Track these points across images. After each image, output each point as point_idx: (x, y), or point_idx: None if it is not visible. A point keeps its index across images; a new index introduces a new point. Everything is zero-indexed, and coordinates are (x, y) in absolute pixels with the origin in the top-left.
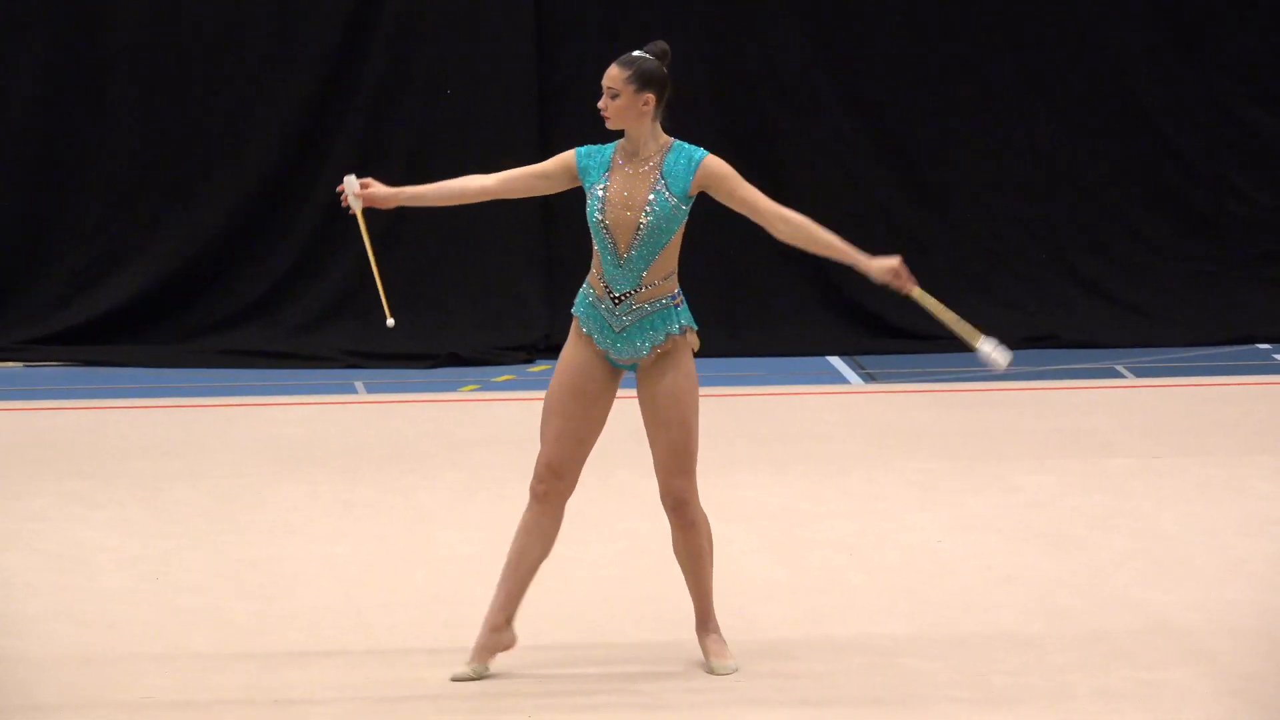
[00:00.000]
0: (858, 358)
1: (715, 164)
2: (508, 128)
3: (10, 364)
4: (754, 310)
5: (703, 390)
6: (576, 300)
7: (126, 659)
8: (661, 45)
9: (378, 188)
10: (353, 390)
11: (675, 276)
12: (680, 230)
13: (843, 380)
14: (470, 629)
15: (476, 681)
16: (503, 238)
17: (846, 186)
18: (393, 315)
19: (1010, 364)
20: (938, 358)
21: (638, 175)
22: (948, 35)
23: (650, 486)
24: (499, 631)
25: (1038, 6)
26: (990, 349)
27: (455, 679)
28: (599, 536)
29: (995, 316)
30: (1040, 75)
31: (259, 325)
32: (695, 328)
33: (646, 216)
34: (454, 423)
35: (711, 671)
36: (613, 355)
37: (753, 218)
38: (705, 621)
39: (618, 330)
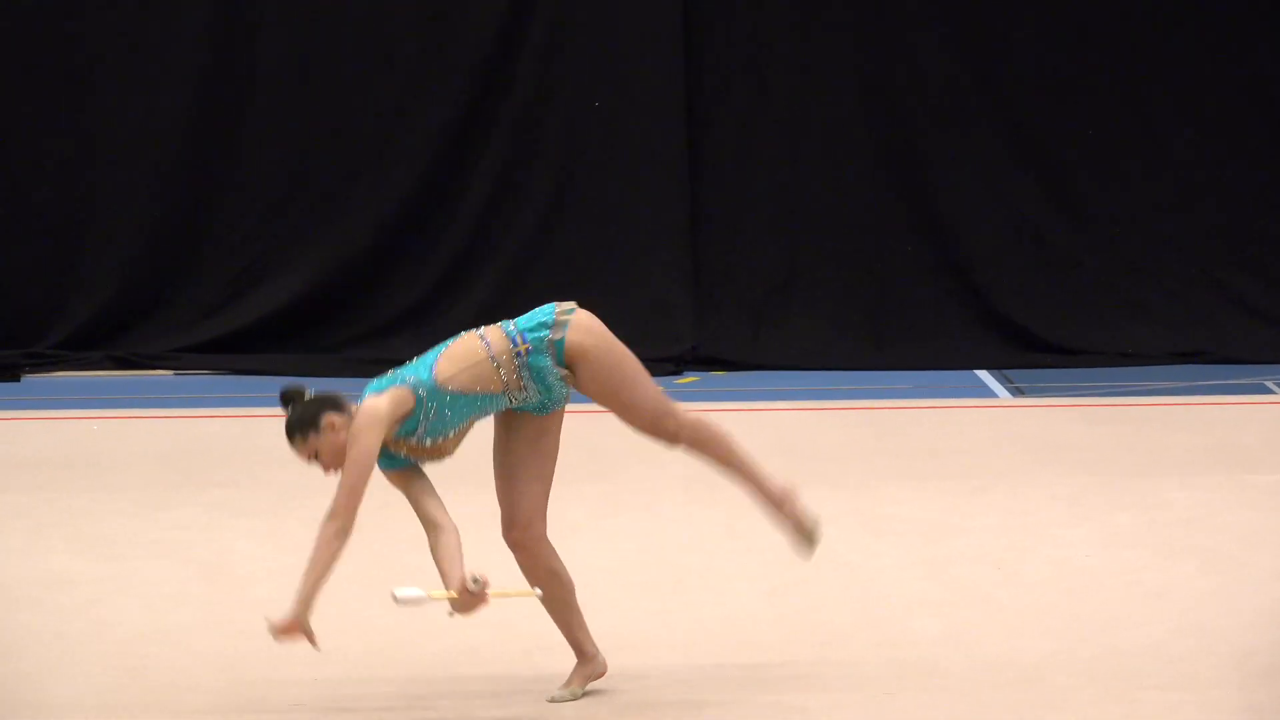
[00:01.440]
0: (1006, 372)
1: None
2: (655, 138)
3: (161, 372)
4: (901, 324)
5: (848, 403)
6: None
7: (273, 668)
8: (290, 390)
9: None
10: None
11: (499, 360)
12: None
13: (991, 394)
14: (617, 640)
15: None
16: (651, 252)
17: (993, 202)
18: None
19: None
20: (1086, 372)
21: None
22: (1095, 49)
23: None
24: (592, 660)
25: (1187, 20)
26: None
27: (553, 700)
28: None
29: (1144, 332)
30: (1189, 90)
31: (406, 335)
32: (550, 321)
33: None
34: (600, 436)
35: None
36: (547, 405)
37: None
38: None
39: (527, 386)
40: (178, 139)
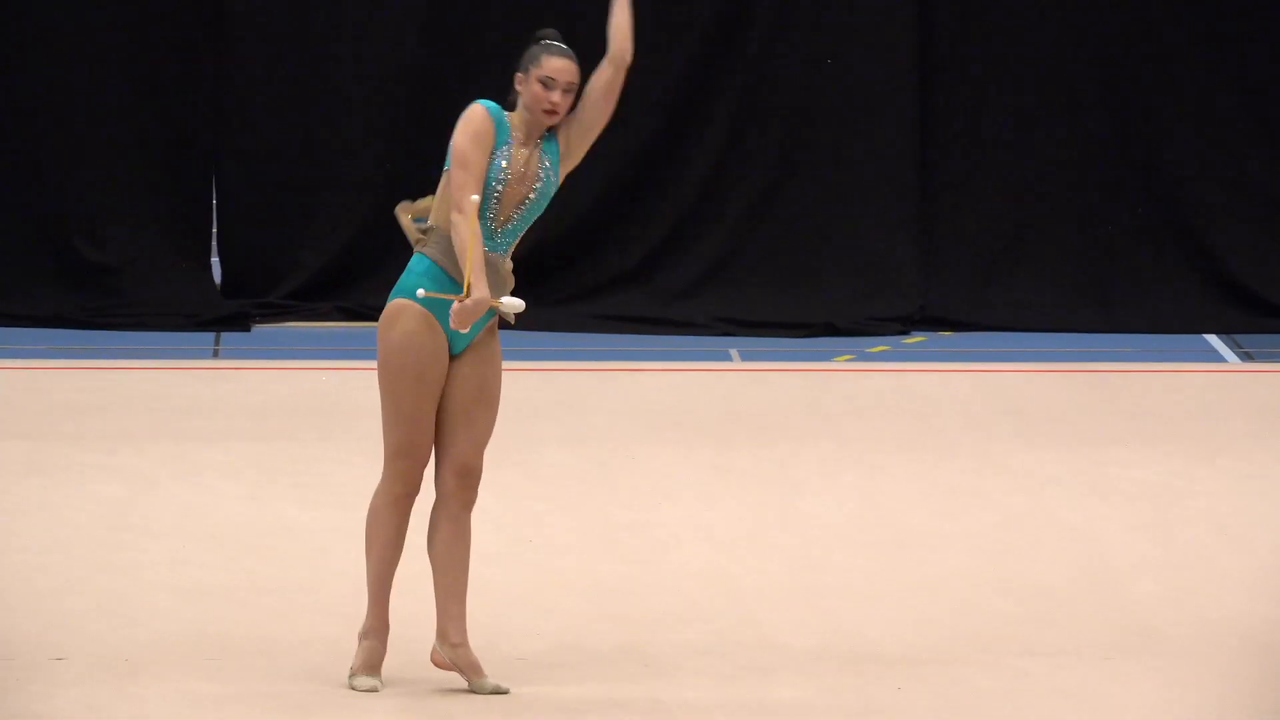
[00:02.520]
0: (1235, 336)
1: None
2: (887, 94)
3: None
4: (1128, 286)
5: (1075, 364)
6: (408, 284)
7: (500, 618)
8: (547, 32)
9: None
10: (728, 358)
11: None
12: None
13: (1219, 358)
14: (837, 599)
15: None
16: (879, 211)
17: (1223, 163)
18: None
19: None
20: None
21: (533, 152)
22: None
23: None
24: (456, 647)
25: None
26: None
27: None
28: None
29: None
30: None
31: (635, 291)
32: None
33: (533, 192)
34: (827, 392)
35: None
36: (454, 338)
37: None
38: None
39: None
40: (406, 98)
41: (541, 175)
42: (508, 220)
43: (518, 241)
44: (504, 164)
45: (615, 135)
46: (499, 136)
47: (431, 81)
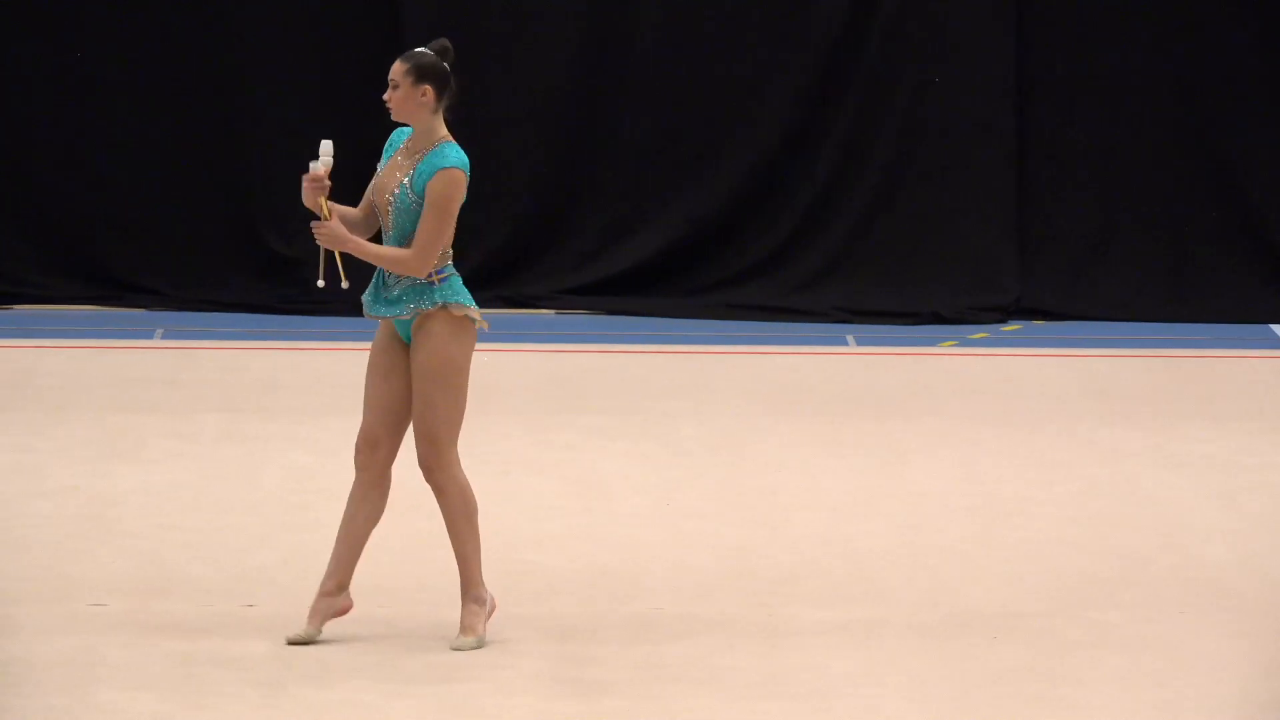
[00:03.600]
0: None
1: (440, 177)
2: (987, 107)
3: (543, 311)
4: (1202, 281)
5: (1154, 350)
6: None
7: (636, 574)
8: (442, 42)
9: (339, 227)
10: (844, 343)
11: (440, 257)
12: None
13: None
14: (939, 558)
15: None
16: (980, 212)
17: None
18: (343, 279)
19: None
20: None
21: (402, 165)
22: None
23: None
24: (331, 596)
25: None
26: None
27: (290, 641)
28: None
29: None
30: None
31: (762, 282)
32: (465, 304)
33: (390, 204)
34: (933, 375)
35: (453, 646)
36: (374, 313)
37: (416, 240)
38: (464, 589)
39: (388, 298)
40: (562, 101)
41: (394, 192)
42: (387, 230)
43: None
44: (377, 174)
45: (744, 144)
46: (384, 155)
47: (584, 82)
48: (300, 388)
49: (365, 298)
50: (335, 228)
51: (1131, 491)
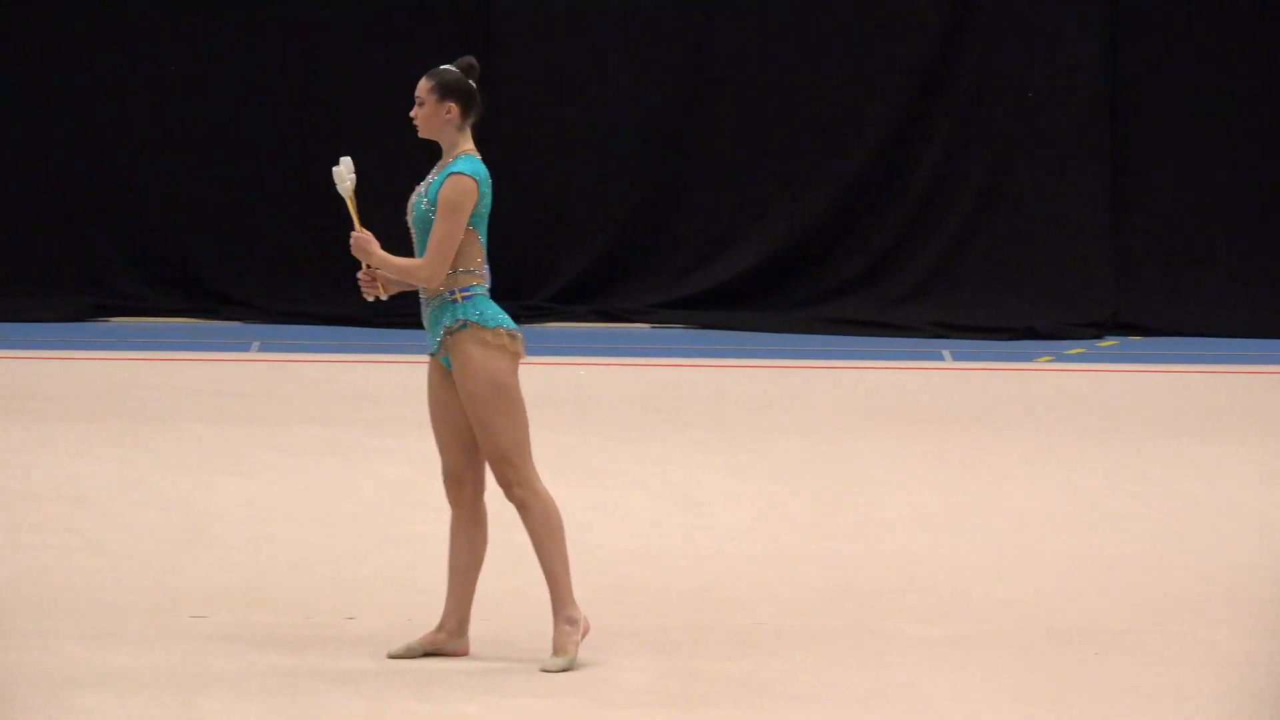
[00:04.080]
0: None
1: (449, 182)
2: (1083, 123)
3: (639, 325)
4: None
5: (1255, 368)
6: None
7: (737, 588)
8: (468, 60)
9: (383, 275)
10: (940, 358)
11: (462, 274)
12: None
13: None
14: (1039, 573)
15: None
16: (1077, 227)
17: None
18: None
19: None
20: None
21: (427, 182)
22: None
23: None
24: (451, 635)
25: None
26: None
27: (391, 656)
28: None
29: None
30: None
31: (858, 298)
32: (491, 325)
33: (410, 216)
34: (1029, 389)
35: (542, 668)
36: (433, 351)
37: (429, 250)
38: (555, 609)
39: (426, 325)
40: (658, 117)
41: (412, 204)
42: (416, 247)
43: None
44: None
45: (840, 159)
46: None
47: (679, 99)
48: (397, 400)
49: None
50: (362, 240)
51: (1233, 508)
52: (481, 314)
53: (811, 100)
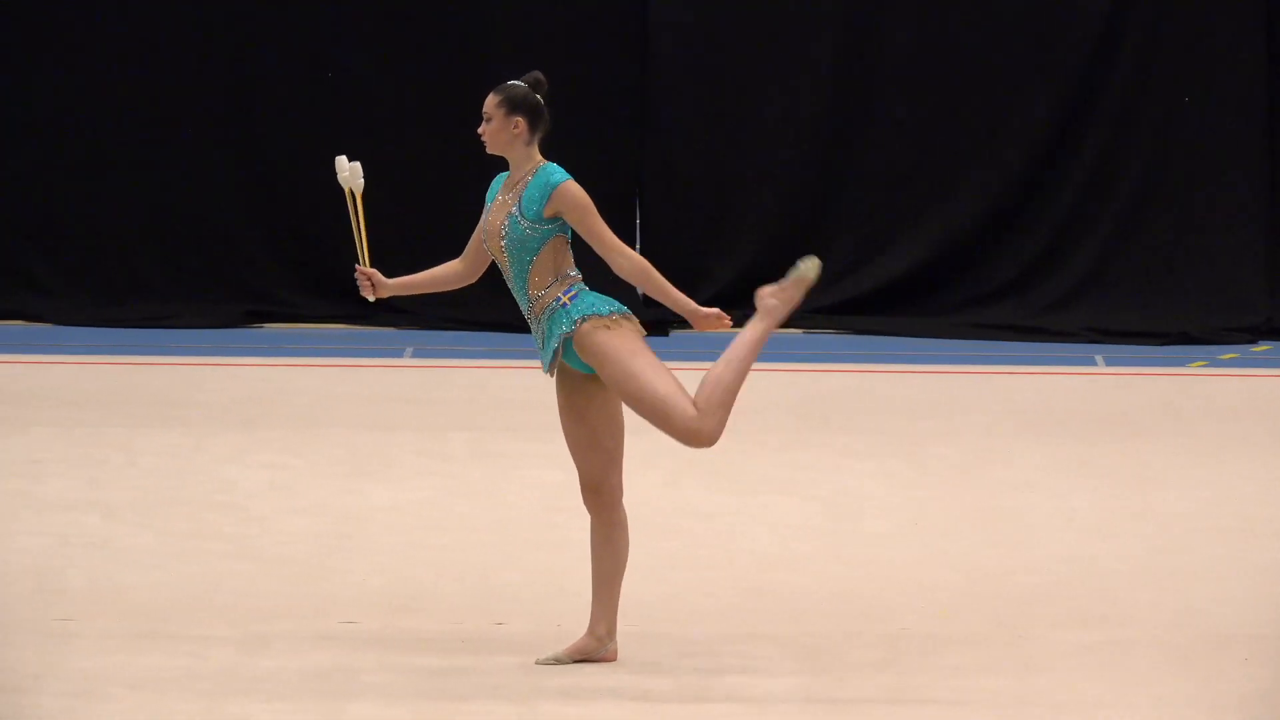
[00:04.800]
0: None
1: (568, 191)
2: (1238, 130)
3: (792, 330)
4: None
5: None
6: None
7: (884, 594)
8: (535, 75)
9: (379, 278)
10: (1092, 363)
11: (563, 280)
12: (552, 244)
13: None
14: (1188, 580)
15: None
16: (1230, 232)
17: None
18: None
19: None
20: None
21: (506, 201)
22: None
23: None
24: (599, 642)
25: None
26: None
27: (540, 663)
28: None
29: None
30: None
31: (1010, 303)
32: (605, 313)
33: (503, 240)
34: (1182, 394)
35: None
36: (548, 365)
37: (596, 249)
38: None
39: (539, 338)
40: (810, 126)
41: (504, 225)
42: (508, 271)
43: (532, 288)
44: (482, 223)
45: (993, 164)
46: (490, 195)
47: (832, 104)
48: (547, 405)
49: (540, 353)
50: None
51: None
52: (593, 305)
53: (964, 106)
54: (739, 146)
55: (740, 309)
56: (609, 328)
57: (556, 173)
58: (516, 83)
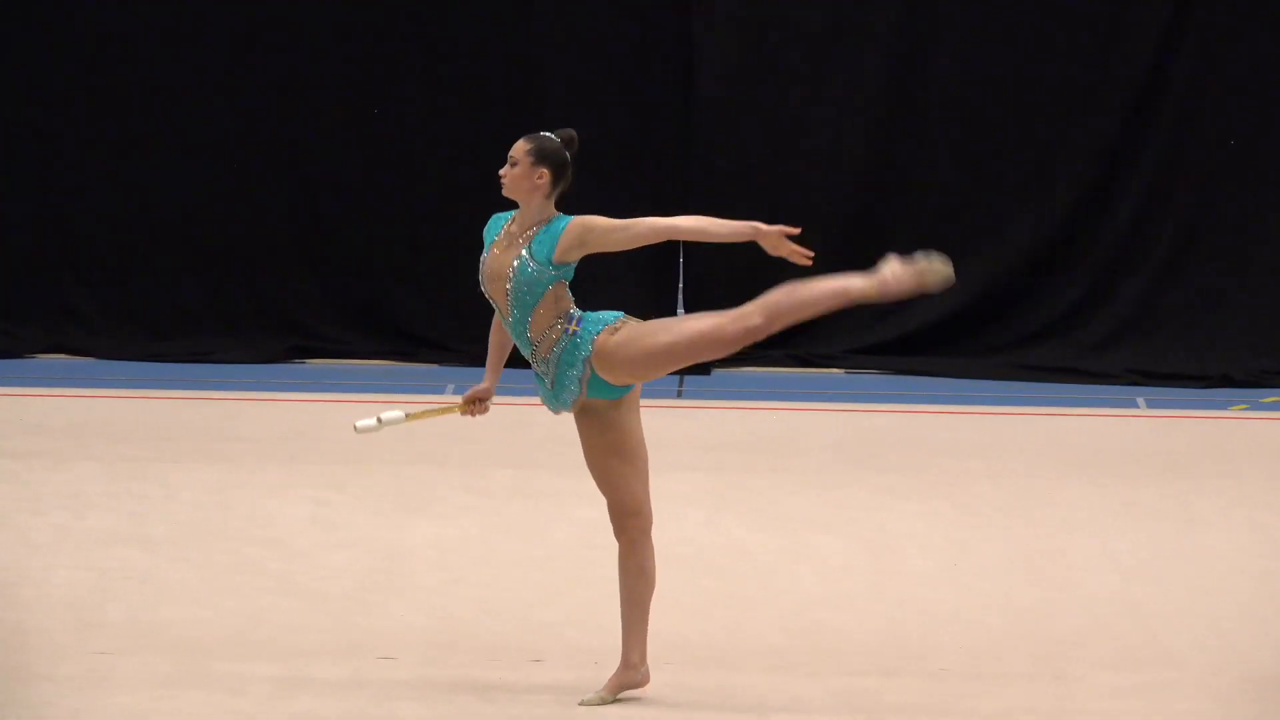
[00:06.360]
0: None
1: (577, 223)
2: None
3: (833, 370)
4: None
5: None
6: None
7: (925, 634)
8: (569, 132)
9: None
10: (1135, 405)
11: (565, 317)
12: (555, 289)
13: None
14: (1233, 622)
15: None
16: (1274, 274)
17: None
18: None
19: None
20: None
21: (513, 245)
22: None
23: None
24: (633, 669)
25: None
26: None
27: (583, 704)
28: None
29: None
30: None
31: (1053, 344)
32: (609, 322)
33: (509, 283)
34: (1224, 437)
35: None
36: (555, 406)
37: (641, 242)
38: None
39: (550, 386)
40: (855, 161)
41: (513, 268)
42: (508, 313)
43: (534, 331)
44: (481, 263)
45: (1037, 205)
46: (485, 242)
47: (881, 141)
48: None
49: (542, 396)
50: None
51: None
52: (599, 321)
53: (1009, 145)
54: (784, 180)
55: (780, 349)
56: (617, 329)
57: (564, 219)
58: (550, 135)
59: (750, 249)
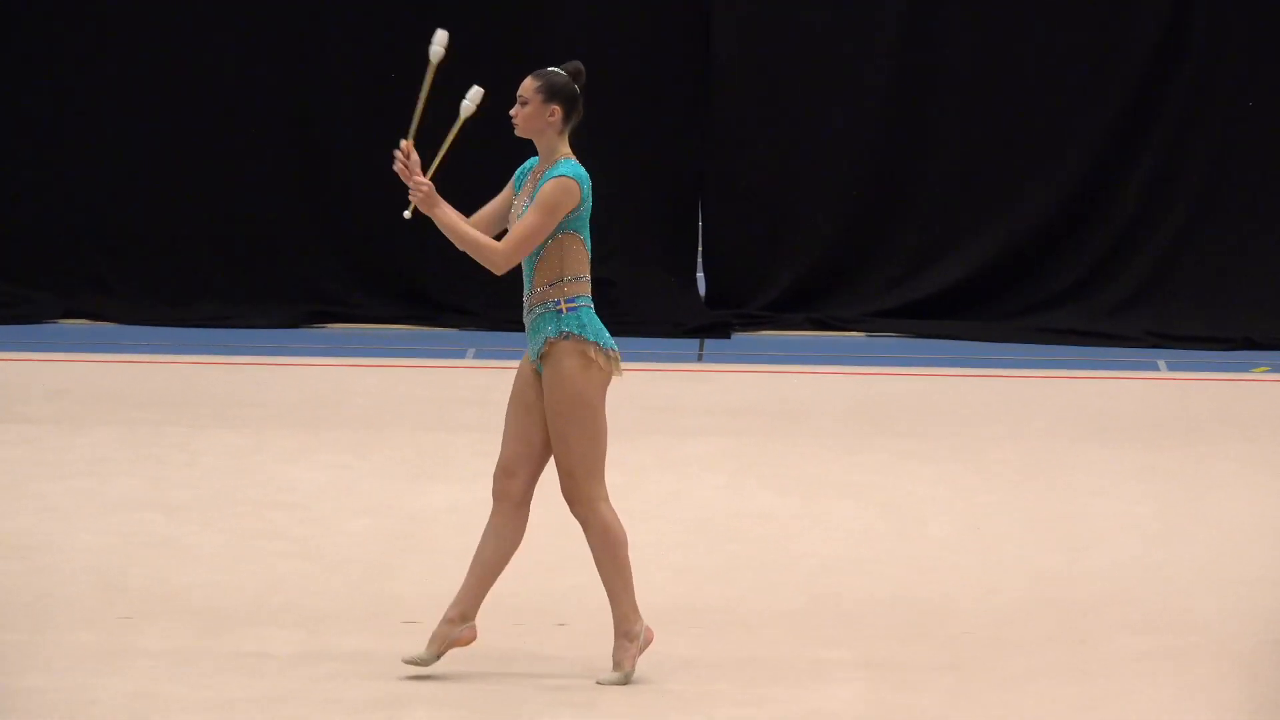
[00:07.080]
0: None
1: (550, 184)
2: None
3: (853, 333)
4: None
5: None
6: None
7: (946, 599)
8: (575, 65)
9: (434, 196)
10: (1155, 368)
11: (569, 283)
12: (560, 240)
13: None
14: (1252, 585)
15: None
16: None
17: None
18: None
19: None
20: None
21: (526, 189)
22: None
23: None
24: (453, 624)
25: None
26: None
27: (406, 661)
28: None
29: None
30: None
31: (1072, 308)
32: (592, 339)
33: (511, 226)
34: (1245, 400)
35: (598, 681)
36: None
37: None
38: (616, 625)
39: (527, 328)
40: (873, 125)
41: (518, 214)
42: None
43: (537, 281)
44: (513, 207)
45: (1055, 167)
46: (518, 179)
47: (895, 107)
48: (611, 407)
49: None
50: (430, 191)
51: None
52: (584, 327)
53: (1026, 110)
54: (801, 150)
55: (799, 312)
56: (585, 358)
57: (563, 166)
58: (557, 70)
59: (767, 219)
